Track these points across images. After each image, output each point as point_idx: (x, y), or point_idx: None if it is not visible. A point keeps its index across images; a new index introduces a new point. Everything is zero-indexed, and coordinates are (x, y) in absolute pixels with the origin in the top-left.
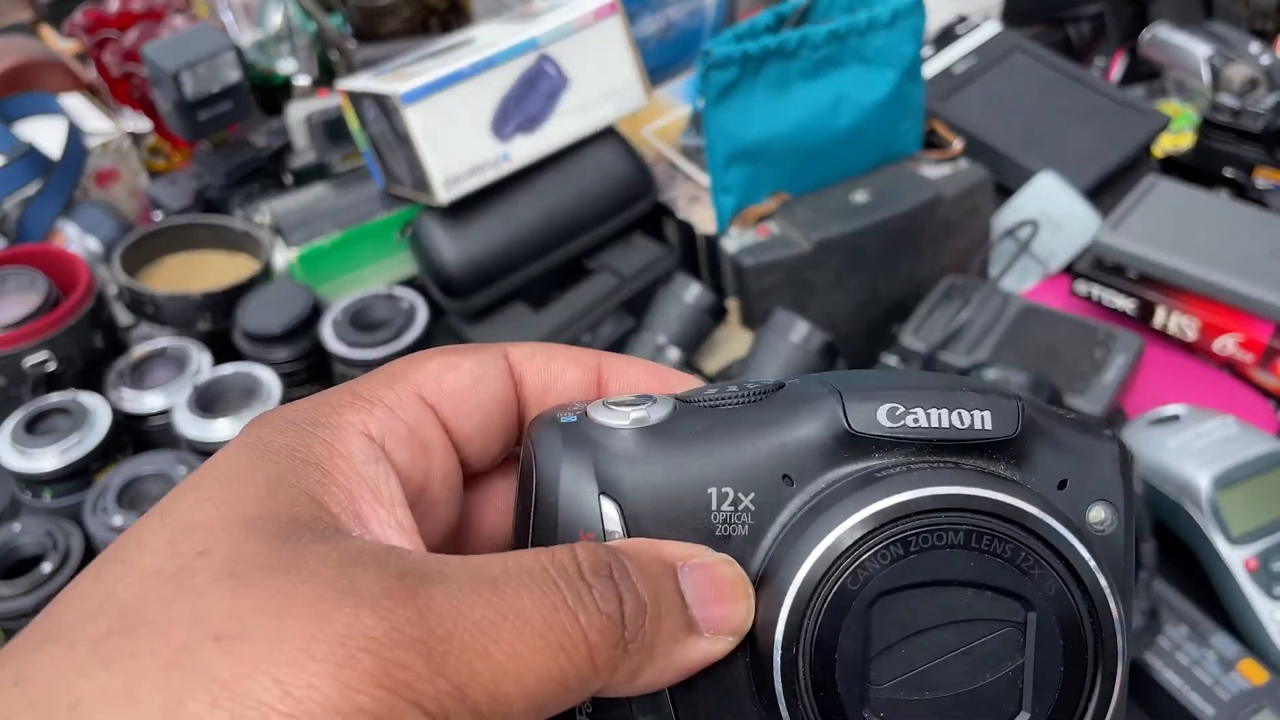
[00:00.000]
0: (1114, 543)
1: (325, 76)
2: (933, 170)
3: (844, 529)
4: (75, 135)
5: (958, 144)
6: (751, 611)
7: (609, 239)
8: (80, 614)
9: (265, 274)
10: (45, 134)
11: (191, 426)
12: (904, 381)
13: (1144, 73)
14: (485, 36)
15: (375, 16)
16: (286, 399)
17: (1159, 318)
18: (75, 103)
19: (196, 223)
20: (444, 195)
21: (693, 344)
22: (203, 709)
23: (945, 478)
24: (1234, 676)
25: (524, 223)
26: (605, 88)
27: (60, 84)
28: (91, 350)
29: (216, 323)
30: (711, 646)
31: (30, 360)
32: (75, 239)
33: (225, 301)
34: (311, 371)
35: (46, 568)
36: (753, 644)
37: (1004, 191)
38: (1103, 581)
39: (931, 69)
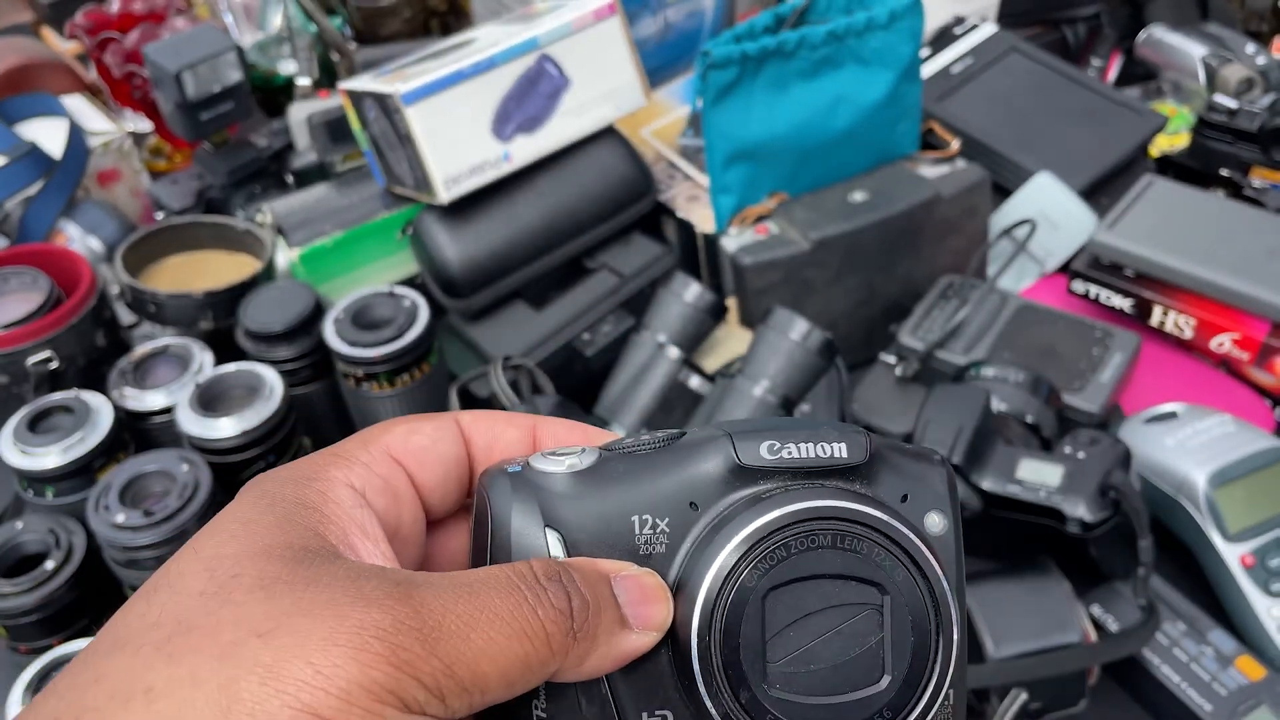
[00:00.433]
0: (947, 542)
1: (326, 77)
2: (930, 170)
3: (739, 540)
4: (77, 135)
5: (955, 144)
6: (670, 611)
7: (609, 238)
8: (140, 627)
9: (267, 273)
10: (47, 134)
11: (194, 425)
12: (779, 424)
13: (1140, 73)
14: (486, 37)
15: (375, 18)
16: (289, 397)
17: (1156, 316)
18: (77, 103)
19: (198, 222)
20: (445, 195)
21: (692, 343)
22: (253, 685)
23: (814, 495)
24: (1231, 672)
25: (524, 222)
26: (605, 88)
27: (62, 85)
28: (94, 349)
29: (218, 322)
30: (640, 639)
31: (33, 359)
32: (77, 239)
33: (227, 300)
34: (314, 370)
35: (49, 565)
36: (673, 638)
37: (1001, 191)
38: (936, 567)
39: (929, 70)
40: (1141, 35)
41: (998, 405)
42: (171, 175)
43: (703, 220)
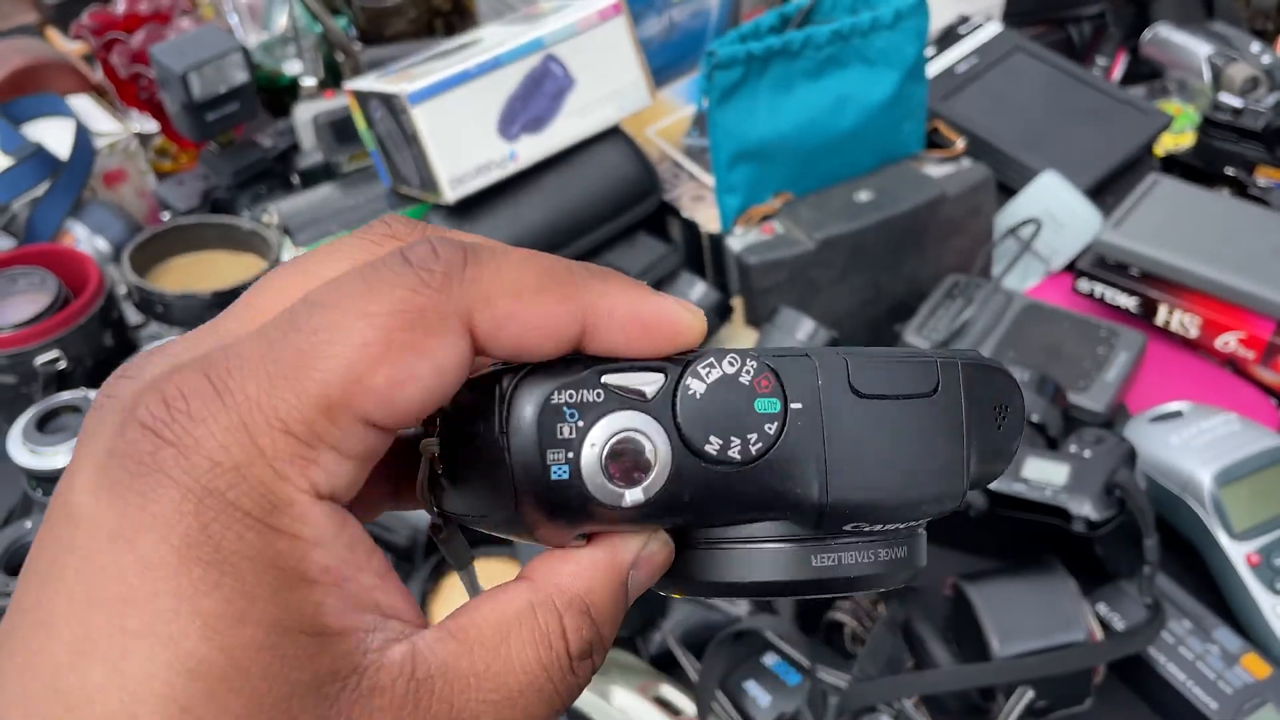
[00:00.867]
0: None
1: (331, 78)
2: (935, 169)
3: None
4: (83, 136)
5: (960, 143)
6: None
7: (614, 238)
8: None
9: None
10: (53, 135)
11: None
12: (878, 476)
13: (1145, 72)
14: (491, 37)
15: (380, 18)
16: None
17: (1161, 315)
18: (83, 104)
19: (204, 223)
20: (451, 194)
21: None
22: None
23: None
24: (1237, 671)
25: (530, 222)
26: (610, 88)
27: (67, 85)
28: (101, 349)
29: None
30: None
31: (41, 359)
32: (84, 239)
33: (233, 300)
34: None
35: None
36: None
37: (1006, 190)
38: None
39: (934, 69)
40: (1146, 34)
41: None
42: (177, 176)
43: (708, 220)
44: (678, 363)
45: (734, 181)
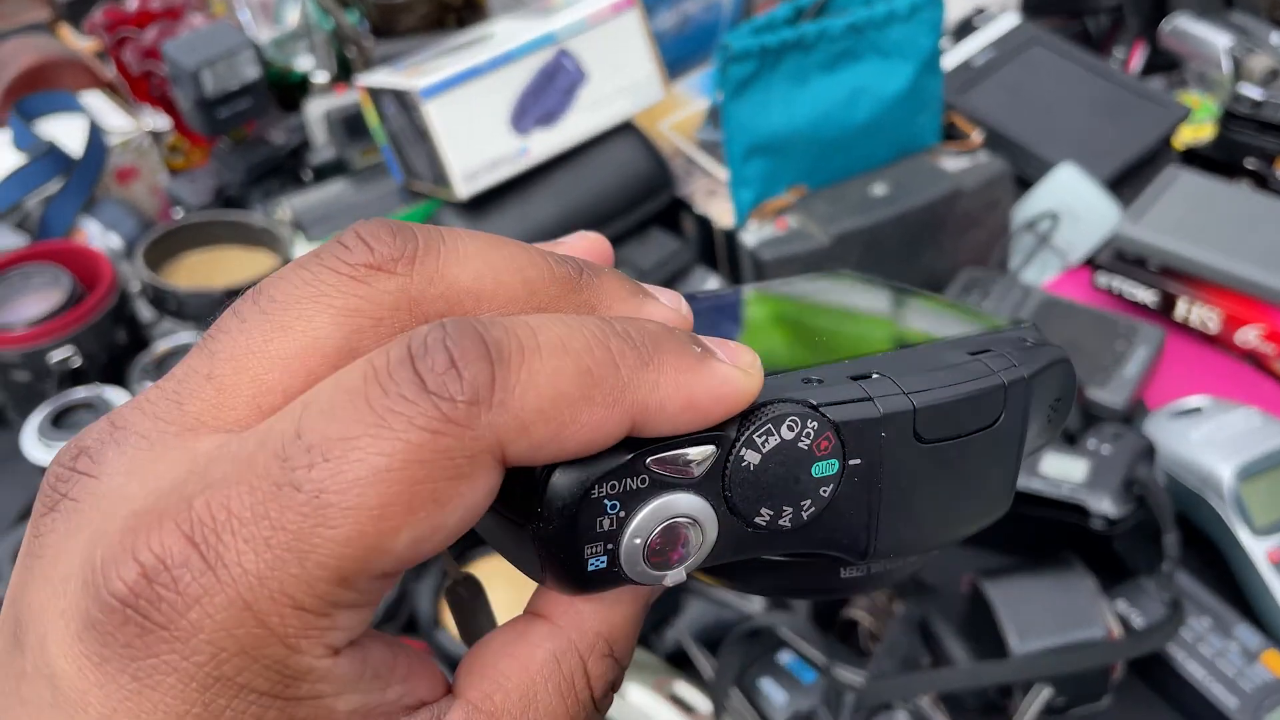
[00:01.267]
0: None
1: (342, 73)
2: (952, 163)
3: None
4: (96, 133)
5: (977, 136)
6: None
7: (626, 233)
8: None
9: None
10: (66, 132)
11: None
12: (925, 534)
13: (1164, 64)
14: (503, 32)
15: (392, 13)
16: None
17: (1180, 310)
18: (96, 100)
19: (216, 219)
20: (463, 190)
21: None
22: None
23: None
24: (1257, 668)
25: (541, 217)
26: (623, 82)
27: (80, 82)
28: (115, 346)
29: None
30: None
31: (55, 356)
32: (97, 236)
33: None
34: None
35: None
36: None
37: (1024, 183)
38: None
39: (950, 61)
40: (1165, 25)
41: None
42: (190, 172)
43: (721, 215)
44: (729, 427)
45: (748, 175)
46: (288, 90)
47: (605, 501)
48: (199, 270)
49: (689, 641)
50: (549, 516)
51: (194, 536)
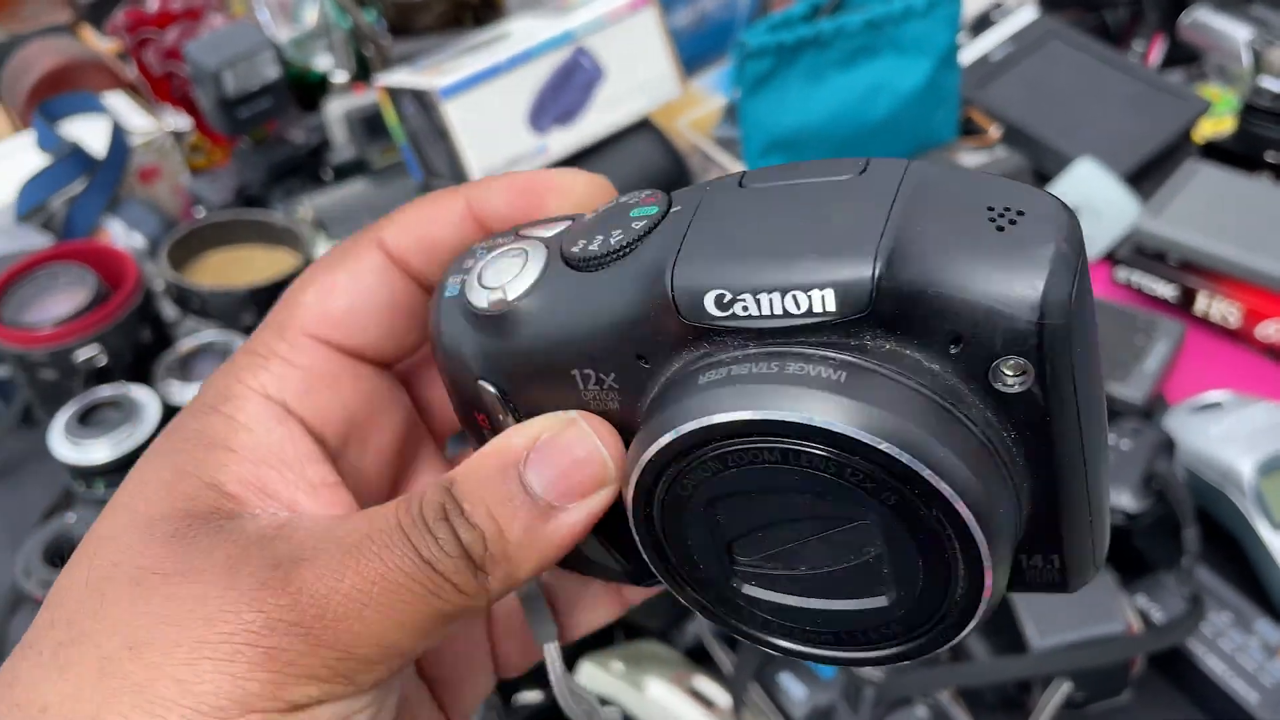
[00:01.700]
0: (1028, 400)
1: (361, 72)
2: (970, 158)
3: (664, 442)
4: (118, 133)
5: (995, 131)
6: (611, 465)
7: None
8: (45, 623)
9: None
10: (88, 133)
11: None
12: (748, 241)
13: (1183, 57)
14: (521, 30)
15: (409, 11)
16: None
17: (1200, 304)
18: (118, 101)
19: (238, 218)
20: None
21: None
22: (125, 708)
23: (762, 397)
24: (1278, 663)
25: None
26: (640, 79)
27: (102, 83)
28: (140, 344)
29: (261, 317)
30: (574, 515)
31: (81, 355)
32: (120, 235)
33: (269, 296)
34: None
35: None
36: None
37: (1042, 178)
38: (950, 486)
39: (968, 56)
40: (1184, 17)
41: None
42: (211, 172)
43: None
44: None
45: None
46: (306, 89)
47: (478, 248)
48: (222, 269)
49: (709, 636)
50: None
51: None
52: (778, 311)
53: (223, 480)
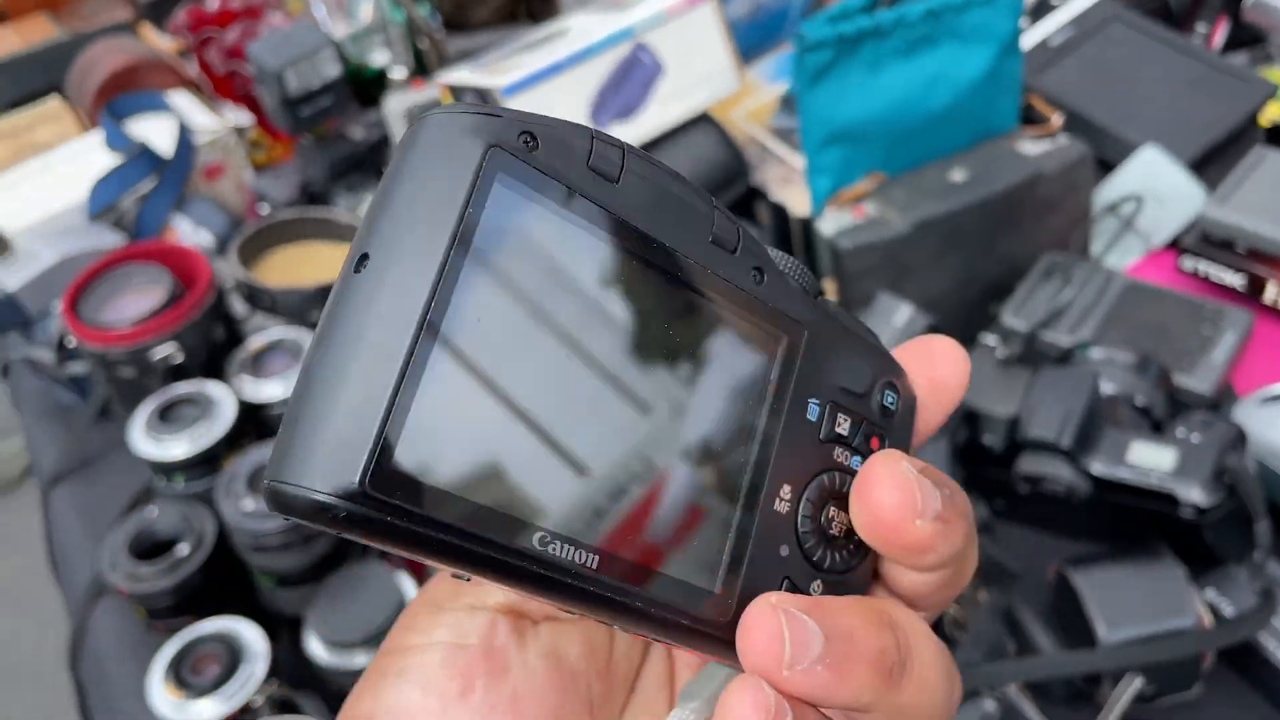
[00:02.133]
0: None
1: (418, 68)
2: (1031, 147)
3: None
4: (185, 132)
5: (1057, 119)
6: None
7: None
8: None
9: None
10: (154, 131)
11: None
12: None
13: (1248, 39)
14: (579, 27)
15: (464, 6)
16: None
17: (1270, 293)
18: (182, 100)
19: (304, 216)
20: None
21: None
22: None
23: None
24: None
25: None
26: (699, 73)
27: (165, 81)
28: (213, 342)
29: None
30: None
31: (158, 353)
32: (188, 233)
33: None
34: None
35: (183, 550)
36: None
37: (1105, 166)
38: None
39: (1028, 41)
40: None
41: (1106, 387)
42: (274, 169)
43: (797, 203)
44: None
45: (825, 163)
46: (362, 85)
47: None
48: (288, 266)
49: None
50: None
51: None
52: None
53: None
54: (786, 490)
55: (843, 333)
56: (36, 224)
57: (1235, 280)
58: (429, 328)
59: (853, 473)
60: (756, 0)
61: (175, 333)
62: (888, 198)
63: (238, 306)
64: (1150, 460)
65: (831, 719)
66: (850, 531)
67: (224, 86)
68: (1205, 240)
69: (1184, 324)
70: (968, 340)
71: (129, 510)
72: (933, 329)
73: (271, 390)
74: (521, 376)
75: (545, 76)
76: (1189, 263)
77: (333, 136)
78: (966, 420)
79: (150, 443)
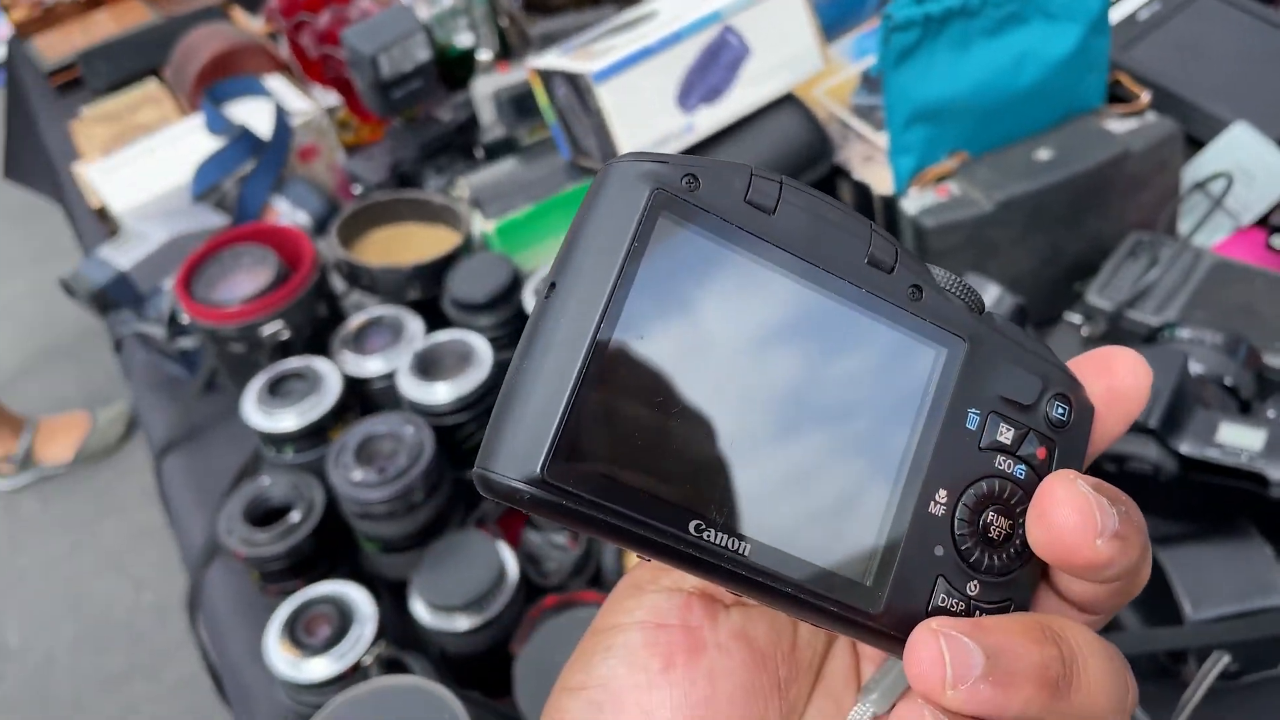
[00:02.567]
0: None
1: (503, 50)
2: (1119, 125)
3: None
4: (282, 115)
5: (1145, 97)
6: None
7: None
8: None
9: (466, 246)
10: (252, 114)
11: (414, 389)
12: None
13: None
14: (667, 10)
15: None
16: (497, 364)
17: None
18: (276, 83)
19: (399, 197)
20: None
21: None
22: None
23: None
24: None
25: None
26: (785, 55)
27: (260, 65)
28: (317, 319)
29: (424, 292)
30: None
31: (267, 330)
32: (286, 213)
33: (432, 272)
34: (513, 337)
35: (295, 517)
36: None
37: (1194, 144)
38: None
39: (1114, 16)
40: None
41: (1194, 367)
42: (366, 150)
43: (879, 181)
44: None
45: (909, 142)
46: (446, 66)
47: None
48: (385, 246)
49: None
50: None
51: None
52: None
53: None
54: (943, 494)
55: (1008, 346)
56: (143, 205)
57: None
58: (599, 345)
59: (1015, 480)
60: None
61: (282, 311)
62: (972, 176)
63: (336, 284)
64: (1239, 440)
65: None
66: (1010, 537)
67: (315, 69)
68: None
69: (1273, 303)
70: (1052, 319)
71: (239, 479)
72: (1021, 309)
73: (373, 365)
74: (681, 383)
75: (636, 61)
76: (1279, 240)
77: (422, 118)
78: None
79: (262, 415)
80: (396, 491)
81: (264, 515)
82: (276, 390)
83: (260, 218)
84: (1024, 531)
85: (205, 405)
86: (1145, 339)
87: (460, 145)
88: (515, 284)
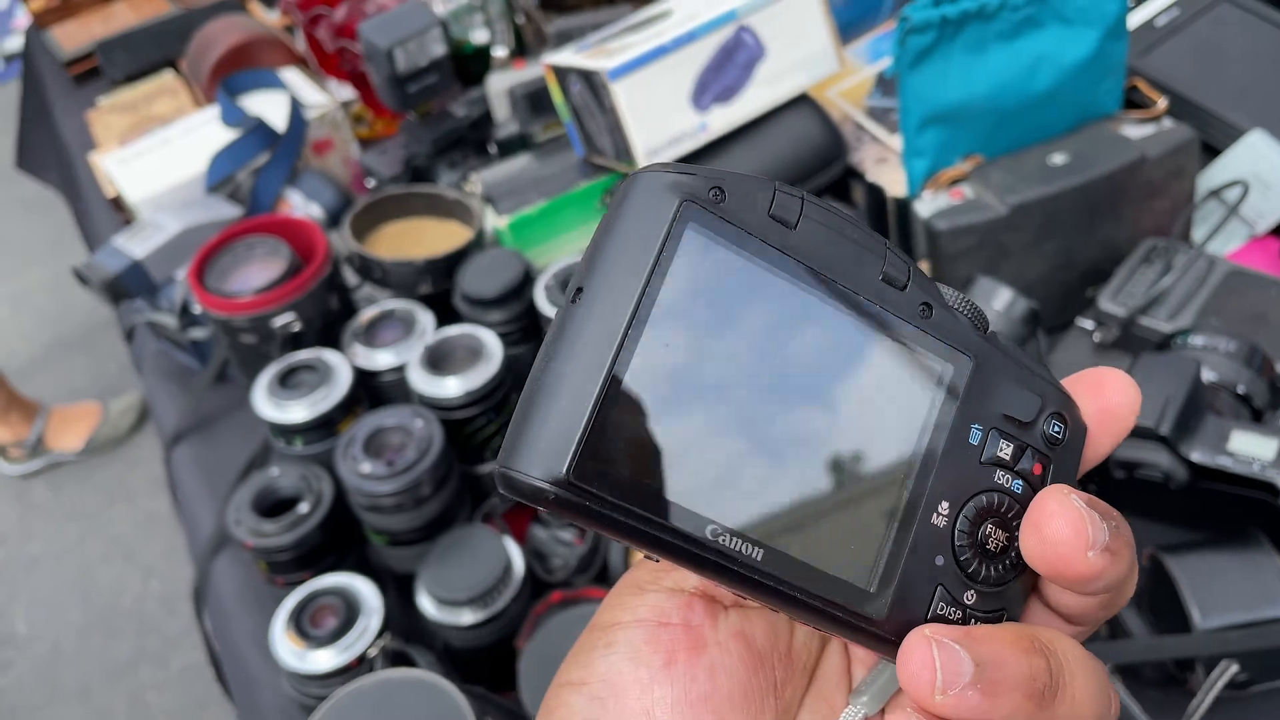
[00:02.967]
0: None
1: (518, 46)
2: (1134, 130)
3: None
4: (297, 108)
5: (1162, 103)
6: None
7: None
8: None
9: (478, 241)
10: (267, 107)
11: (424, 383)
12: None
13: None
14: (682, 9)
15: None
16: (507, 359)
17: None
18: (292, 76)
19: (412, 192)
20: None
21: None
22: None
23: None
24: None
25: None
26: (800, 55)
27: (276, 58)
28: (329, 312)
29: (436, 286)
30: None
31: (278, 321)
32: (299, 206)
33: (444, 267)
34: (524, 332)
35: (303, 508)
36: None
37: (1211, 151)
38: None
39: (1132, 22)
40: None
41: (1207, 375)
42: (380, 144)
43: (893, 184)
44: None
45: (923, 145)
46: (461, 62)
47: None
48: (397, 240)
49: None
50: None
51: None
52: None
53: None
54: (945, 506)
55: (1010, 365)
56: (157, 195)
57: None
58: (624, 352)
59: (1012, 495)
60: None
61: (294, 302)
62: (986, 180)
63: (348, 277)
64: (1251, 449)
65: None
66: (1006, 549)
67: (331, 63)
68: None
69: None
70: (1064, 325)
71: (248, 469)
72: (1034, 313)
73: (384, 359)
74: (702, 391)
75: (651, 59)
76: None
77: (436, 113)
78: None
79: (272, 406)
80: (404, 484)
81: (272, 506)
82: (287, 382)
83: (274, 210)
84: (1019, 544)
85: (216, 396)
86: (1158, 346)
87: (474, 141)
88: (527, 280)
